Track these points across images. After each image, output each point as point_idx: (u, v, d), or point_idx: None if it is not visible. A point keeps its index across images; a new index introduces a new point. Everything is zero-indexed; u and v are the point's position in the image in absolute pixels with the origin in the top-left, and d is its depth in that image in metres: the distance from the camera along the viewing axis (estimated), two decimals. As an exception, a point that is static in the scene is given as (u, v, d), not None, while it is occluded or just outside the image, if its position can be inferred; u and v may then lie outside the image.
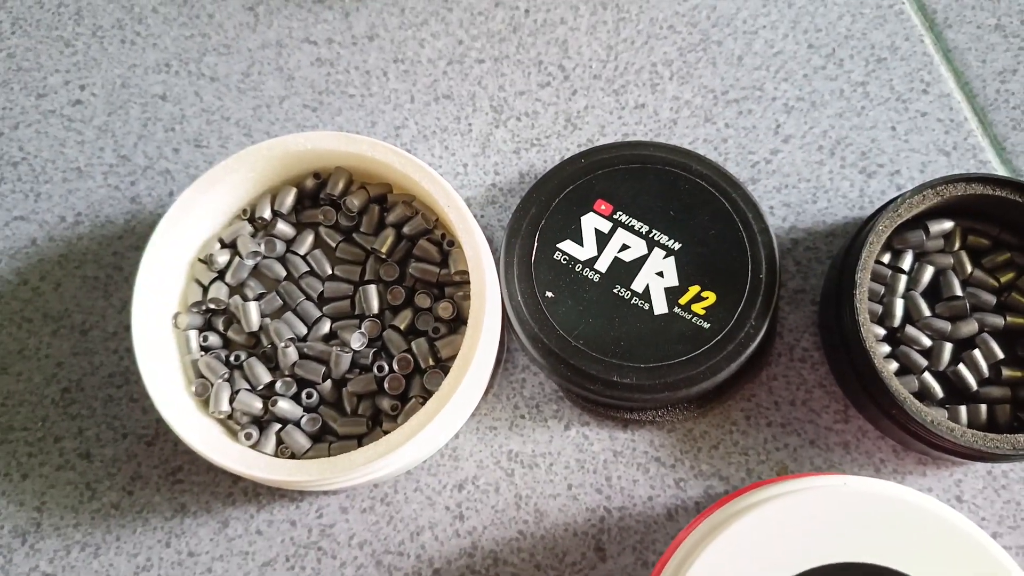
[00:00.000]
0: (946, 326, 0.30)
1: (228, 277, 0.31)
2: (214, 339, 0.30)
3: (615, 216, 0.30)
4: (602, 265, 0.30)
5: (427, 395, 0.29)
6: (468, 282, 0.29)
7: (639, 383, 0.28)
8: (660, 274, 0.29)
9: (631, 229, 0.30)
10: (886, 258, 0.31)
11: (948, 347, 0.30)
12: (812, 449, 0.31)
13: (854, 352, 0.28)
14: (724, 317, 0.29)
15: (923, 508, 0.24)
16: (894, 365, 0.30)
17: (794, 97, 0.35)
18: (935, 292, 0.31)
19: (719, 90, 0.35)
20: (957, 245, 0.31)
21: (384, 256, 0.31)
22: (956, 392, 0.29)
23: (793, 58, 0.36)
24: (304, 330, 0.30)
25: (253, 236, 0.31)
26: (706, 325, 0.29)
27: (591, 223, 0.30)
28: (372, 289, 0.30)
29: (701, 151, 0.34)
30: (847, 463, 0.31)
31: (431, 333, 0.30)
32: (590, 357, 0.28)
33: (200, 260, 0.31)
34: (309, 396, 0.29)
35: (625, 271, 0.30)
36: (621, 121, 0.35)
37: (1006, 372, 0.29)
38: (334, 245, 0.31)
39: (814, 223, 0.34)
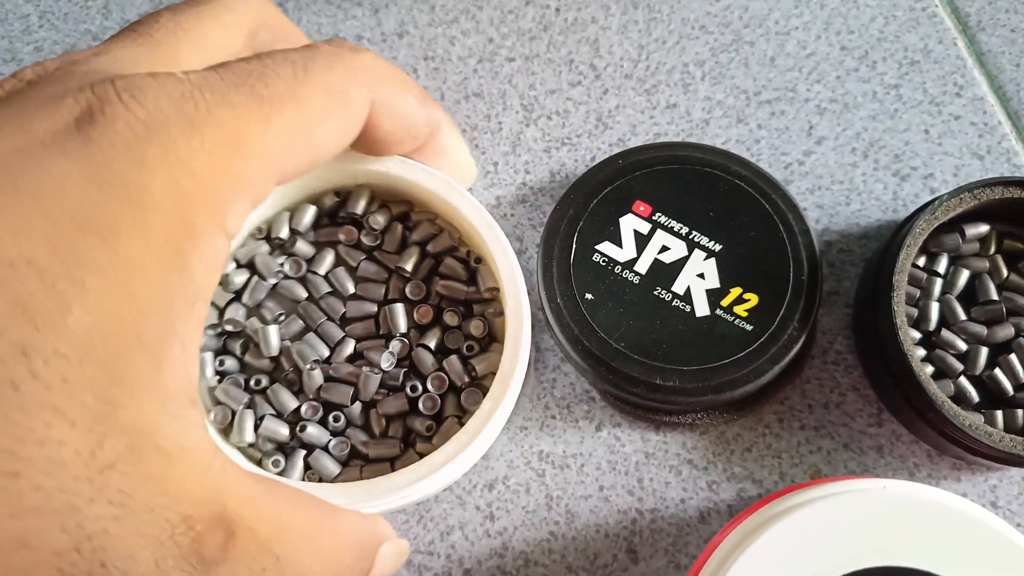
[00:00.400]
0: (982, 330, 0.30)
1: (246, 298, 0.30)
2: (231, 363, 0.29)
3: (654, 217, 0.30)
4: (642, 267, 0.30)
5: (463, 413, 0.29)
6: (497, 299, 0.29)
7: (683, 386, 0.28)
8: (701, 276, 0.29)
9: (670, 230, 0.30)
10: (921, 261, 0.31)
11: (984, 351, 0.29)
12: (846, 452, 0.31)
13: (890, 355, 0.28)
14: (767, 319, 0.28)
15: (965, 513, 0.24)
16: (929, 369, 0.29)
17: (827, 99, 0.35)
18: (970, 296, 0.31)
19: (751, 91, 0.35)
20: (993, 249, 0.31)
21: (409, 275, 0.30)
22: (992, 397, 0.29)
23: (826, 60, 0.36)
24: (327, 352, 0.29)
25: (270, 255, 0.30)
26: (749, 327, 0.28)
27: (630, 224, 0.30)
28: (399, 308, 0.29)
29: (734, 152, 0.33)
30: (881, 467, 0.31)
31: (464, 351, 0.29)
32: (632, 360, 0.28)
33: None
34: (336, 420, 0.28)
35: (665, 273, 0.30)
36: (653, 121, 0.35)
37: (1042, 377, 0.29)
38: (355, 264, 0.30)
39: (847, 225, 0.33)
